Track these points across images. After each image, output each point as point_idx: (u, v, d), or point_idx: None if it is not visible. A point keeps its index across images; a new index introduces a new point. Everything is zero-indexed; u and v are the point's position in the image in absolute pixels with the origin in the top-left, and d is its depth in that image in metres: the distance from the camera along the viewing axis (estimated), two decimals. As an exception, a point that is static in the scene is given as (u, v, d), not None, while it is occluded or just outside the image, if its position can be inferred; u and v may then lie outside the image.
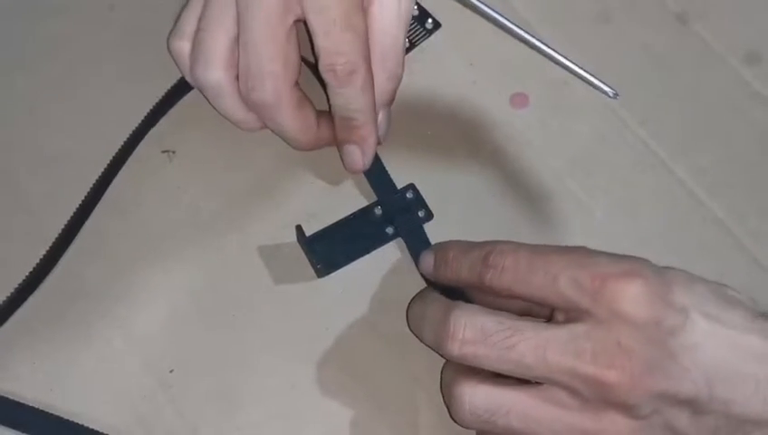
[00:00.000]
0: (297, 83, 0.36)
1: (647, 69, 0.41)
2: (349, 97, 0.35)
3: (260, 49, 0.34)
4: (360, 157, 0.36)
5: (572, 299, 0.30)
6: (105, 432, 0.34)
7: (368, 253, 0.37)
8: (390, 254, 0.37)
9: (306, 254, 0.37)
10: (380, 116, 0.37)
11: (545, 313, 0.32)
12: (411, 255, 0.37)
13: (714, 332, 0.30)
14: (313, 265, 0.37)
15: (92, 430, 0.34)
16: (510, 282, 0.31)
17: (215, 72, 0.35)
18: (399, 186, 0.38)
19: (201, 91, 0.37)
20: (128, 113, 0.39)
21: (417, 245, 0.37)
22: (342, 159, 0.37)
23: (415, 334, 0.34)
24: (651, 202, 0.39)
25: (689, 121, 0.40)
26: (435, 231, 0.37)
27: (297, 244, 0.37)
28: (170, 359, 0.35)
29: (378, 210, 0.37)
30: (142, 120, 0.38)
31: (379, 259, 0.37)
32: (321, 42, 0.34)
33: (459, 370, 0.32)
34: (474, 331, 0.31)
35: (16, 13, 0.41)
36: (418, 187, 0.38)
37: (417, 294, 0.35)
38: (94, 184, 0.37)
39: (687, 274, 0.31)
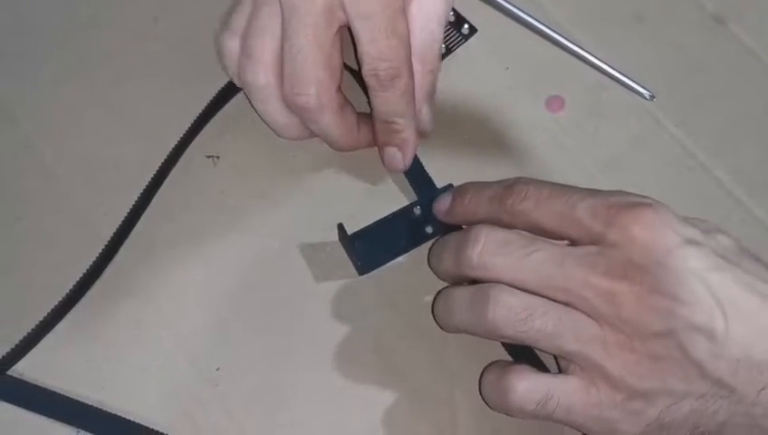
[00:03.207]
0: (340, 88, 0.36)
1: (683, 70, 0.41)
2: (390, 101, 0.36)
3: (305, 54, 0.34)
4: (400, 158, 0.37)
5: (587, 224, 0.31)
6: (154, 428, 0.34)
7: (407, 251, 0.37)
8: (430, 253, 0.38)
9: (347, 252, 0.37)
10: (424, 110, 0.37)
11: None
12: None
13: (731, 269, 0.30)
14: (354, 263, 0.37)
15: (142, 425, 0.35)
16: (530, 206, 0.33)
17: (263, 76, 0.36)
18: (438, 186, 0.38)
19: (247, 94, 0.37)
20: (172, 121, 0.40)
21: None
22: (383, 160, 0.38)
23: (435, 269, 0.36)
24: (690, 203, 0.38)
25: (727, 122, 0.40)
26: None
27: (338, 243, 0.38)
28: (217, 358, 0.36)
29: (417, 210, 0.37)
30: (188, 128, 0.39)
31: (419, 258, 0.37)
32: (365, 48, 0.35)
33: None
34: (494, 241, 0.32)
35: (64, 26, 0.42)
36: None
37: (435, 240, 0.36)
38: (144, 189, 0.38)
39: (716, 225, 0.32)
